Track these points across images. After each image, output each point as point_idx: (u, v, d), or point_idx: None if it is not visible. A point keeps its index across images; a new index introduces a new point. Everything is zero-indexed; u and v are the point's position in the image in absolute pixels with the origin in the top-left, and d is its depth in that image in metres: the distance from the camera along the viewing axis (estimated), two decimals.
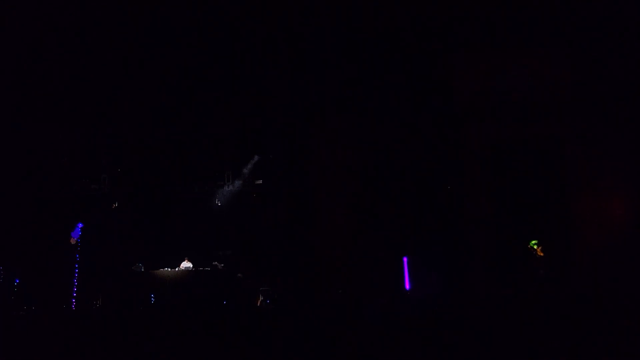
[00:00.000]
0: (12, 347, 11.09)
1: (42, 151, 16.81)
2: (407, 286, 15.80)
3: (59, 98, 16.36)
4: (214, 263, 17.42)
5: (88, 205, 17.41)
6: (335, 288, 16.04)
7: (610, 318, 11.93)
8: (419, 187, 16.56)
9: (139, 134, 17.57)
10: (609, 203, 15.80)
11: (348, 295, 15.82)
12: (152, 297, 16.25)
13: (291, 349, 10.82)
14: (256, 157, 18.22)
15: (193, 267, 17.41)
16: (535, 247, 15.63)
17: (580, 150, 16.08)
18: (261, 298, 16.63)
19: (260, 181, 18.37)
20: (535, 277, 15.43)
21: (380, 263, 16.30)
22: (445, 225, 16.31)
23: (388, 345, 10.92)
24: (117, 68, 16.33)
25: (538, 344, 10.38)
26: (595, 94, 15.91)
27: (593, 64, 15.94)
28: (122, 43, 15.95)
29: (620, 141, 15.85)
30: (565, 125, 16.13)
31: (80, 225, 16.07)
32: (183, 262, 17.46)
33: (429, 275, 15.70)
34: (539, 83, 16.30)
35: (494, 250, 15.92)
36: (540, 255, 15.65)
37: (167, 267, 17.21)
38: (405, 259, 16.07)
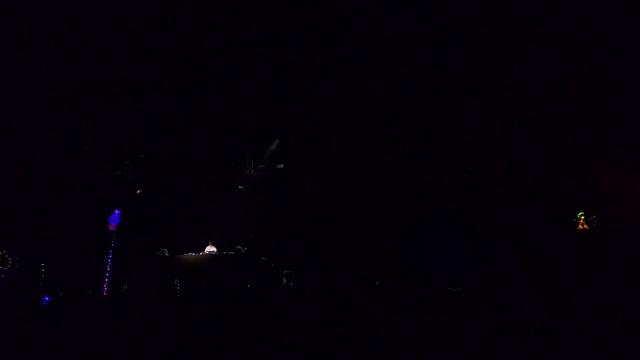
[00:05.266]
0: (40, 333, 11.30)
1: (65, 139, 16.96)
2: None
3: (82, 85, 16.47)
4: (237, 247, 17.53)
5: (111, 192, 17.55)
6: (358, 271, 16.08)
7: (631, 297, 11.85)
8: (439, 167, 16.48)
9: (161, 120, 17.63)
10: (629, 180, 15.61)
11: (370, 277, 15.86)
12: (177, 282, 16.38)
13: (314, 331, 10.88)
14: (277, 141, 18.25)
15: (217, 251, 17.53)
16: (581, 219, 15.61)
17: (600, 127, 15.89)
18: (285, 281, 16.72)
19: (282, 165, 18.41)
20: (556, 255, 15.40)
21: (403, 245, 16.30)
22: (465, 205, 16.24)
23: (409, 324, 10.95)
24: (139, 54, 16.37)
25: (558, 324, 10.36)
26: (615, 71, 15.70)
27: (612, 40, 15.71)
28: (146, 29, 15.99)
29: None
30: (585, 102, 15.95)
31: (118, 211, 16.25)
32: (207, 247, 17.59)
33: (452, 256, 15.65)
34: (558, 60, 16.12)
35: (515, 229, 15.84)
36: (584, 228, 15.62)
37: (192, 252, 17.34)
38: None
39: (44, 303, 14.80)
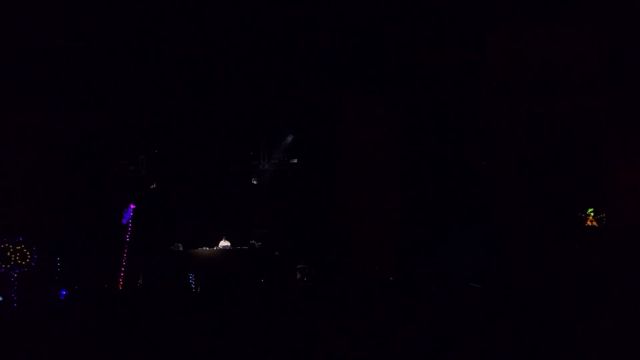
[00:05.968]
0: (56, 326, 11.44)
1: (81, 135, 17.09)
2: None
3: (95, 80, 16.56)
4: (251, 242, 17.58)
5: (126, 187, 17.66)
6: (372, 265, 16.12)
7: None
8: (452, 163, 16.48)
9: (175, 115, 17.71)
10: None
11: (384, 272, 15.89)
12: (191, 277, 16.48)
13: (328, 325, 10.94)
14: (291, 136, 18.30)
15: (231, 246, 17.60)
16: (590, 215, 15.59)
17: (615, 124, 15.82)
18: (299, 276, 16.78)
19: (295, 160, 18.46)
20: (571, 251, 15.37)
21: (417, 240, 16.31)
22: (481, 201, 16.23)
23: (424, 320, 10.99)
24: (152, 49, 16.44)
25: (573, 318, 10.36)
26: (630, 68, 15.62)
27: (628, 36, 15.62)
28: (161, 25, 16.06)
29: None
30: (599, 99, 15.88)
31: (133, 206, 16.37)
32: (221, 241, 17.67)
33: (465, 251, 15.67)
34: (573, 57, 16.05)
35: (529, 225, 15.82)
36: (592, 225, 15.58)
37: (206, 247, 17.43)
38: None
39: (62, 297, 14.97)
